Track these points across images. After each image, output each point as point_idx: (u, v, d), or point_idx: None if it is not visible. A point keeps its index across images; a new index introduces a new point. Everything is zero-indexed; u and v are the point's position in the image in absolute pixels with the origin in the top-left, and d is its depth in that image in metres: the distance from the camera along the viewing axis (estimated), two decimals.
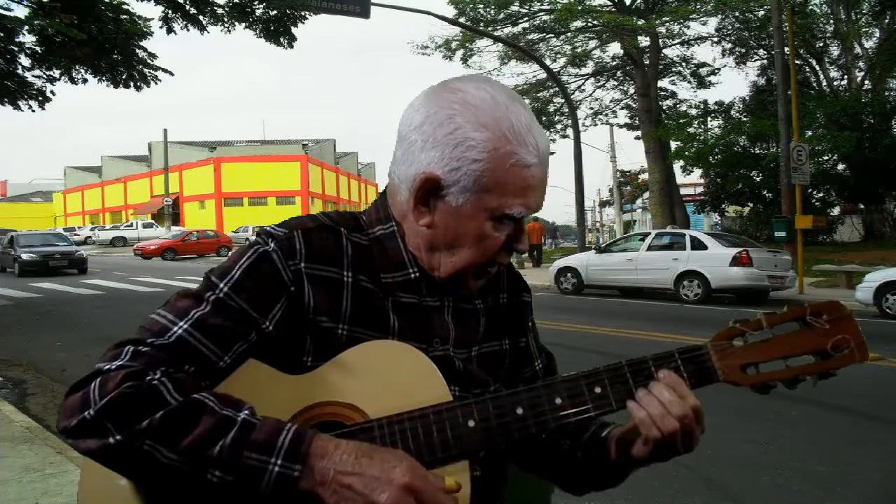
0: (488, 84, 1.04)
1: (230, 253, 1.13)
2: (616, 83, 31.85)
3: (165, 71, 13.75)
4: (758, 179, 26.45)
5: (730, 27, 28.33)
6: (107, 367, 0.91)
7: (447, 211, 1.03)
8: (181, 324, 0.96)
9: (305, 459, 0.87)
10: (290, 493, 0.87)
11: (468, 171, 1.00)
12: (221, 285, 1.00)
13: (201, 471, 0.86)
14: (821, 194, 26.63)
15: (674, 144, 26.95)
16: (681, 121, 27.45)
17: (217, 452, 0.86)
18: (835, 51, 29.63)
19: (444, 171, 1.01)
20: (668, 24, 27.05)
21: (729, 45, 29.17)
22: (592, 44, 29.43)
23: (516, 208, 1.02)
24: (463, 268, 1.07)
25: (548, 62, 27.00)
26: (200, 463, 0.86)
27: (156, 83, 13.81)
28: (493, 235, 1.04)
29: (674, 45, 29.08)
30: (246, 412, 0.89)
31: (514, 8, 27.58)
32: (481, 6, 27.35)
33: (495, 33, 27.46)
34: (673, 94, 31.24)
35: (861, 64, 29.24)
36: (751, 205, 28.68)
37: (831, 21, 28.46)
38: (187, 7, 13.06)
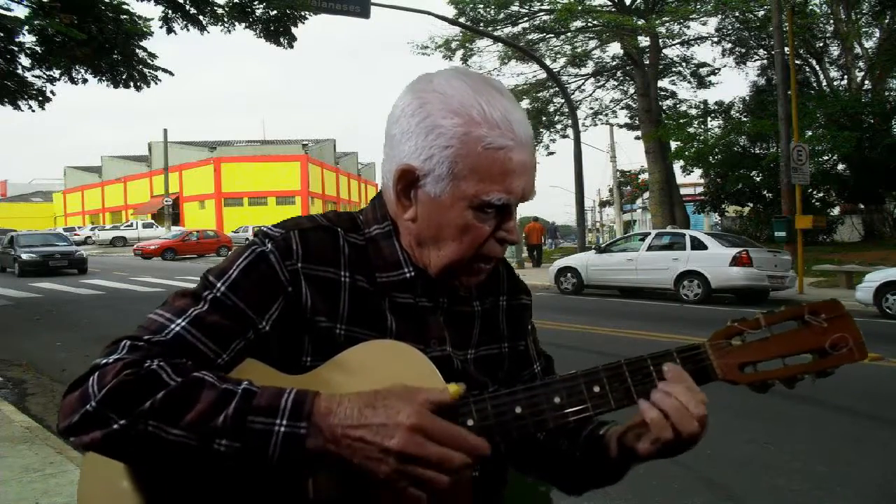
0: (464, 74, 1.04)
1: (228, 253, 1.12)
2: (616, 83, 31.89)
3: (165, 71, 13.75)
4: (758, 179, 26.46)
5: (730, 27, 28.36)
6: (104, 361, 0.91)
7: (427, 202, 1.03)
8: (179, 321, 0.96)
9: (310, 417, 0.87)
10: (298, 453, 0.87)
11: (441, 158, 0.99)
12: (219, 284, 1.00)
13: (208, 442, 0.86)
14: (821, 194, 26.64)
15: (674, 144, 26.97)
16: (681, 121, 27.48)
17: (222, 422, 0.86)
18: (835, 51, 29.67)
19: (419, 160, 1.01)
20: (668, 24, 27.09)
21: (729, 45, 29.21)
22: (592, 44, 29.48)
23: (494, 195, 1.00)
24: (451, 262, 1.05)
25: (548, 62, 27.03)
26: (206, 434, 0.86)
27: (156, 83, 13.80)
28: (476, 226, 1.02)
29: (674, 45, 29.17)
30: (246, 383, 0.90)
31: (514, 8, 27.62)
32: (481, 6, 27.38)
33: (495, 33, 27.49)
34: (673, 94, 31.30)
35: (861, 64, 29.24)
36: (751, 205, 28.68)
37: (831, 21, 28.47)
38: (187, 7, 13.04)
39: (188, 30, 13.28)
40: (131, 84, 13.52)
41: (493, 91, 1.02)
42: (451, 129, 0.99)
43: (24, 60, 12.54)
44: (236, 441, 0.86)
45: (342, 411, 0.87)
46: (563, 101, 27.25)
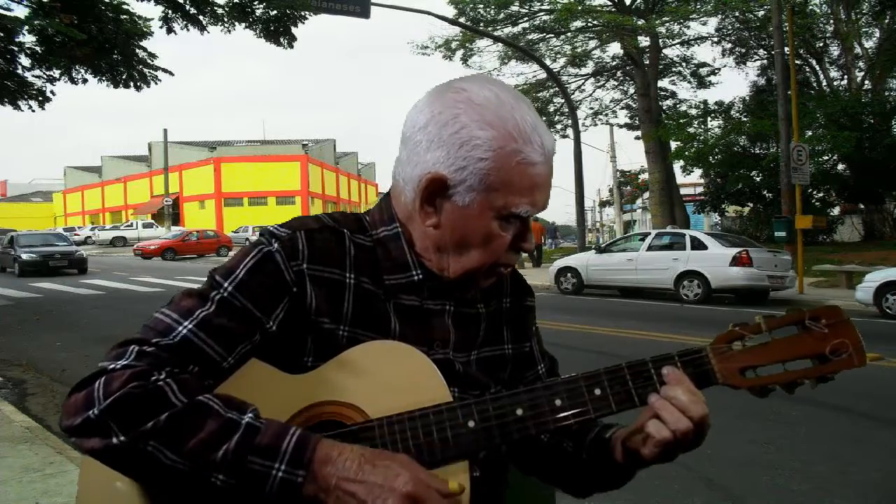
0: (492, 83, 1.04)
1: (233, 252, 1.12)
2: (616, 83, 31.88)
3: (165, 71, 13.77)
4: (758, 179, 26.46)
5: (730, 27, 28.36)
6: (111, 366, 0.91)
7: (454, 211, 1.03)
8: (186, 323, 0.96)
9: (309, 465, 0.87)
10: (293, 498, 0.87)
11: (474, 170, 1.00)
12: (226, 285, 1.00)
13: (205, 474, 0.86)
14: (821, 194, 26.64)
15: (674, 144, 26.97)
16: (681, 121, 27.46)
17: (221, 456, 0.86)
18: (835, 51, 29.68)
19: (450, 170, 1.01)
20: (668, 24, 27.08)
21: (729, 45, 29.21)
22: (592, 44, 29.47)
23: (523, 207, 1.02)
24: (472, 269, 1.06)
25: (548, 62, 27.03)
26: (204, 466, 0.86)
27: (156, 83, 13.83)
28: (499, 235, 1.04)
29: (674, 45, 29.15)
30: (250, 415, 0.89)
31: (514, 8, 27.61)
32: (481, 6, 27.37)
33: (495, 33, 27.48)
34: (673, 94, 31.29)
35: (861, 64, 29.26)
36: (751, 205, 28.69)
37: (831, 21, 28.47)
38: (187, 7, 13.06)
39: (188, 30, 13.31)
40: (131, 84, 13.54)
41: (522, 102, 1.03)
42: (487, 141, 1.00)
43: (24, 60, 12.58)
44: (233, 478, 0.86)
45: (341, 462, 0.88)
46: (563, 101, 27.24)
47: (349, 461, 0.88)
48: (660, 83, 29.46)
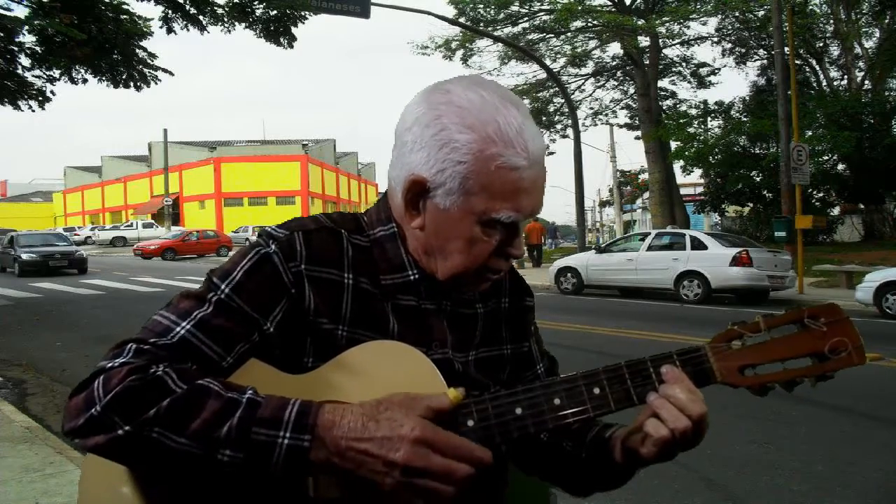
0: (480, 85, 1.03)
1: (231, 254, 1.13)
2: (616, 83, 31.92)
3: (165, 71, 13.77)
4: (758, 179, 26.47)
5: (730, 27, 28.39)
6: (109, 364, 0.92)
7: (435, 213, 1.03)
8: (184, 324, 0.97)
9: (314, 430, 0.87)
10: (302, 465, 0.87)
11: (453, 173, 1.00)
12: (223, 286, 1.00)
13: (212, 452, 0.86)
14: (821, 194, 26.66)
15: (674, 144, 27.00)
16: (681, 121, 27.47)
17: (226, 432, 0.86)
18: (835, 51, 29.70)
19: (430, 172, 1.01)
20: (668, 24, 27.09)
21: (729, 45, 29.25)
22: (592, 44, 29.50)
23: (504, 213, 1.01)
24: (457, 273, 1.06)
25: (548, 62, 27.05)
26: (210, 444, 0.86)
27: (156, 83, 13.82)
28: (482, 240, 1.03)
29: (674, 45, 29.19)
30: (250, 392, 0.90)
31: (514, 8, 27.64)
32: (481, 6, 27.39)
33: (495, 33, 27.50)
34: (673, 94, 31.33)
35: (861, 64, 29.28)
36: (751, 205, 28.70)
37: (831, 21, 28.49)
38: (187, 7, 13.05)
39: (188, 30, 13.30)
40: (131, 84, 13.54)
41: (510, 105, 1.01)
42: (465, 144, 0.99)
43: (24, 60, 12.57)
44: (240, 452, 0.86)
45: (346, 423, 0.88)
46: (563, 101, 27.26)
47: (353, 421, 0.88)
48: (660, 83, 29.49)
